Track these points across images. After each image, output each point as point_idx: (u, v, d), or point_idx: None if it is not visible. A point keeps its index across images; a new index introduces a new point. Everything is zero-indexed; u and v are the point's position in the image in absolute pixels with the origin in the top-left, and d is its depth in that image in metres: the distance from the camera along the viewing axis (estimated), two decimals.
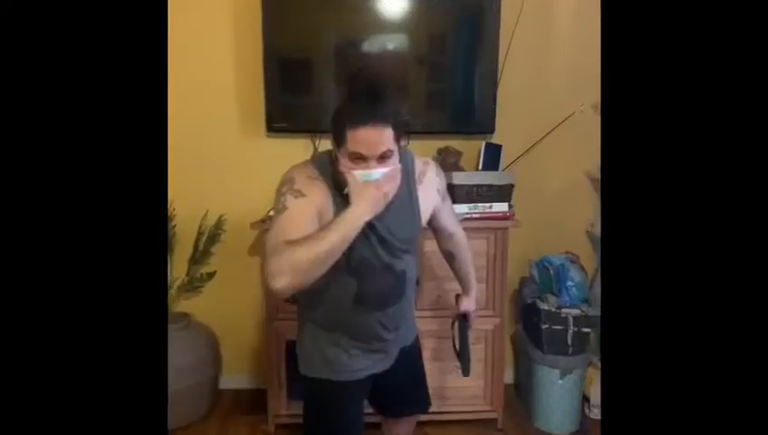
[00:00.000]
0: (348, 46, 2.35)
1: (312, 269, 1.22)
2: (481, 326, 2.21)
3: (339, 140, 1.29)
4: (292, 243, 1.21)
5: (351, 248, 1.29)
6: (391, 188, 1.29)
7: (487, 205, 2.22)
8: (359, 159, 1.26)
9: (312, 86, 2.38)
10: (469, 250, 1.66)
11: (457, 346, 1.72)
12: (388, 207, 1.31)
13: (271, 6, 2.29)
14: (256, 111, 2.41)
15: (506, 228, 2.22)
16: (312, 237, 1.22)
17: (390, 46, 2.35)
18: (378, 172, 1.27)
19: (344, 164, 1.28)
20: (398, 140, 1.30)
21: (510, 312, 2.58)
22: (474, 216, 2.21)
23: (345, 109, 1.31)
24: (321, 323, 1.47)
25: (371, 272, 1.39)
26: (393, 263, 1.41)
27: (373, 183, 1.26)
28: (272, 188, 1.38)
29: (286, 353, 2.25)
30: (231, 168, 2.50)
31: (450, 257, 1.66)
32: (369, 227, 1.31)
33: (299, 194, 1.30)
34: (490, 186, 2.22)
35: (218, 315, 2.61)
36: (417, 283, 1.75)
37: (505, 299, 2.28)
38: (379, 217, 1.31)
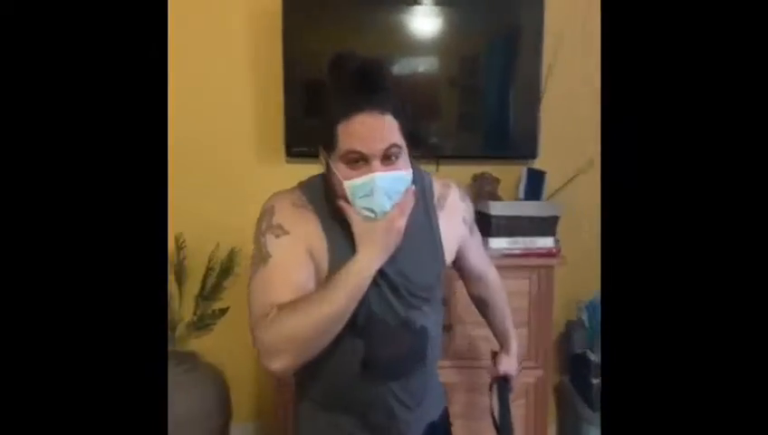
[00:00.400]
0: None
1: (316, 341, 0.98)
2: (521, 379, 1.93)
3: (329, 144, 1.01)
4: (286, 308, 0.97)
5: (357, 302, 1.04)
6: (404, 221, 1.02)
7: (529, 239, 1.99)
8: (357, 161, 0.99)
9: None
10: (505, 295, 1.37)
11: (496, 415, 1.40)
12: (406, 241, 1.05)
13: (292, 26, 2.16)
14: (275, 135, 2.26)
15: (551, 266, 1.99)
16: (312, 300, 0.98)
17: (421, 68, 2.18)
18: (379, 179, 0.99)
19: (340, 173, 1.00)
20: (404, 138, 1.02)
21: (555, 361, 2.30)
22: (514, 252, 1.98)
23: (331, 100, 1.03)
24: (318, 400, 1.16)
25: (383, 331, 1.09)
26: (411, 317, 1.11)
27: (380, 221, 0.99)
28: None
29: None
30: (247, 195, 2.32)
31: (482, 305, 1.37)
32: (379, 272, 1.04)
33: (280, 231, 1.05)
34: (532, 218, 1.99)
35: (230, 356, 2.41)
36: (448, 329, 1.46)
37: (550, 347, 2.02)
38: (390, 258, 1.04)
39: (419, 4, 2.15)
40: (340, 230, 1.06)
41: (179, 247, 2.27)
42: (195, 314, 2.30)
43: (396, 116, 1.01)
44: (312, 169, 2.22)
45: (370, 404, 1.12)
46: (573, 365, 2.16)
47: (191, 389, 2.14)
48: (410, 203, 1.04)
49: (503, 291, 1.37)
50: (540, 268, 1.97)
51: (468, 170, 2.23)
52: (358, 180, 0.99)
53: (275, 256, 1.03)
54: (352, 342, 1.08)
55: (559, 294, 2.03)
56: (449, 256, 1.19)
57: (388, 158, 1.00)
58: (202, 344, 2.38)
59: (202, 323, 2.33)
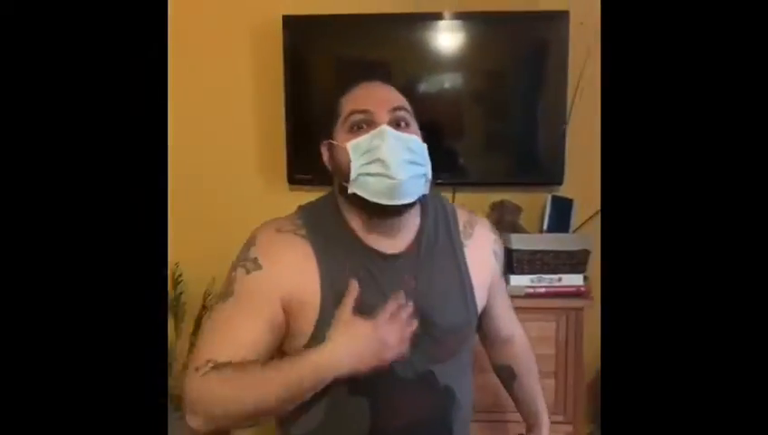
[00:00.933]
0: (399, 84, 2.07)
1: (235, 420, 0.84)
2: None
3: (331, 121, 0.93)
4: (222, 370, 0.83)
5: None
6: (393, 335, 0.82)
7: (555, 277, 1.81)
8: (361, 126, 0.89)
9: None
10: (535, 365, 1.15)
11: None
12: (426, 275, 0.92)
13: (294, 42, 2.06)
14: (277, 161, 2.14)
15: (581, 308, 1.79)
16: (249, 374, 0.82)
17: (443, 84, 2.05)
18: (389, 131, 0.87)
19: (343, 140, 0.90)
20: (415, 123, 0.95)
21: (586, 411, 2.08)
22: (538, 291, 1.80)
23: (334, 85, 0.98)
24: None
25: (395, 388, 0.89)
26: (432, 372, 0.91)
27: (367, 322, 0.81)
28: None
29: None
30: (248, 224, 2.18)
31: (508, 377, 1.14)
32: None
33: (253, 266, 0.91)
34: (559, 252, 1.81)
35: None
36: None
37: (580, 399, 1.82)
38: (397, 289, 0.89)
39: (441, 18, 2.03)
40: (339, 256, 0.90)
41: (176, 281, 2.14)
42: (189, 353, 2.16)
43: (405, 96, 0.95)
44: (315, 197, 2.15)
45: None
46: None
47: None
48: (406, 310, 0.85)
49: (533, 360, 1.16)
50: (568, 310, 1.79)
51: (486, 198, 2.06)
52: (362, 137, 0.88)
53: (236, 298, 0.90)
54: (355, 402, 0.89)
55: (590, 338, 1.82)
56: (481, 297, 1.00)
57: (396, 122, 0.89)
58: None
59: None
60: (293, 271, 0.90)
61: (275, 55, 2.07)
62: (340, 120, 0.92)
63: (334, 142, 0.92)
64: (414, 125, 0.93)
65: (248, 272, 0.91)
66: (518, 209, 1.99)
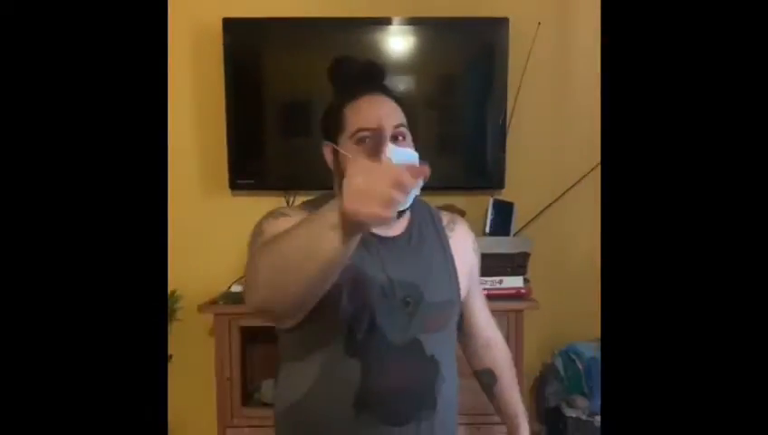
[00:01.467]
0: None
1: (276, 278, 0.80)
2: None
3: (336, 130, 1.01)
4: (265, 244, 0.85)
5: (358, 310, 0.95)
6: (411, 182, 0.73)
7: (497, 279, 1.82)
8: (366, 140, 0.97)
9: (293, 134, 2.07)
10: (512, 365, 1.20)
11: None
12: (417, 255, 1.02)
13: (235, 45, 2.01)
14: (218, 166, 2.08)
15: (521, 310, 1.82)
16: (282, 233, 0.82)
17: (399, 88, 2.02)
18: (397, 149, 0.95)
19: (350, 153, 0.98)
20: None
21: (530, 411, 2.10)
22: None
23: (337, 94, 1.04)
24: None
25: (385, 351, 0.95)
26: (420, 341, 0.98)
27: (386, 167, 0.73)
28: (236, 255, 1.15)
29: None
30: (189, 231, 2.14)
31: (489, 380, 1.16)
32: (389, 281, 0.97)
33: (260, 235, 0.97)
34: (500, 255, 1.82)
35: (173, 409, 2.17)
36: None
37: (523, 398, 1.82)
38: (401, 266, 0.99)
39: (390, 23, 2.04)
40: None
41: None
42: None
43: (401, 105, 1.03)
44: (259, 202, 2.12)
45: None
46: (548, 419, 1.98)
47: None
48: (424, 171, 0.79)
49: (511, 363, 1.19)
50: (508, 312, 1.80)
51: (431, 201, 2.04)
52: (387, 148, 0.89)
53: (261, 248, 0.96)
54: (347, 363, 0.95)
55: (530, 340, 1.86)
56: (463, 284, 1.09)
57: (395, 137, 0.99)
58: None
59: None
60: None
61: (216, 59, 2.02)
62: (347, 133, 0.99)
63: (340, 150, 1.00)
64: (409, 137, 1.02)
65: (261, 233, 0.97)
66: (462, 213, 1.99)
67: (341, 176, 0.95)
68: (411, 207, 1.05)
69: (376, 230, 1.00)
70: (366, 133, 0.97)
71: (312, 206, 1.04)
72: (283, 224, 0.92)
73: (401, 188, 0.73)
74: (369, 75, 1.05)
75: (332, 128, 1.02)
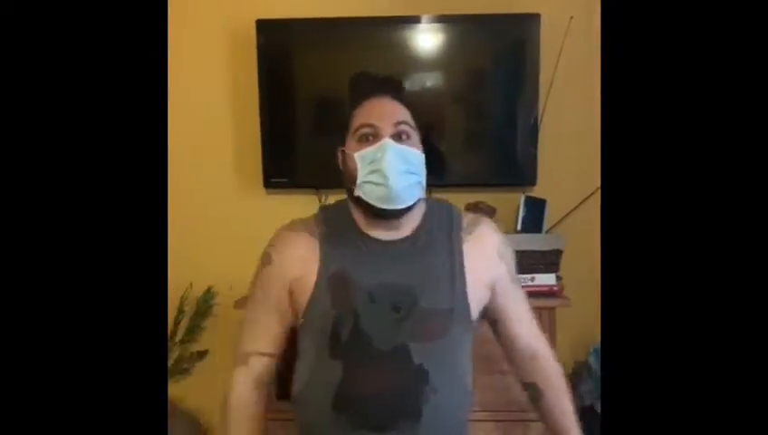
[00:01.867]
0: None
1: None
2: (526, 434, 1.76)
3: (345, 132, 1.05)
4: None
5: (343, 314, 0.98)
6: None
7: (528, 277, 1.80)
8: (368, 138, 1.00)
9: (326, 133, 2.05)
10: (564, 381, 1.12)
11: None
12: (419, 259, 1.01)
13: (269, 46, 2.05)
14: (253, 165, 2.12)
15: (554, 308, 1.80)
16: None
17: (421, 85, 2.06)
18: (390, 145, 0.98)
19: (351, 150, 1.02)
20: (417, 133, 1.05)
21: None
22: None
23: (351, 102, 1.08)
24: None
25: (368, 356, 0.96)
26: (408, 347, 0.96)
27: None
28: None
29: None
30: (224, 229, 2.20)
31: (534, 394, 1.11)
32: (380, 285, 0.98)
33: (267, 261, 1.08)
34: (532, 252, 1.81)
35: (208, 403, 2.24)
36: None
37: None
38: (397, 270, 1.00)
39: (419, 21, 2.04)
40: (340, 244, 1.03)
41: None
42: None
43: (410, 109, 1.04)
44: (292, 200, 2.16)
45: None
46: (583, 418, 1.95)
47: None
48: None
49: (560, 376, 1.11)
50: (541, 310, 1.76)
51: (461, 199, 2.04)
52: (367, 149, 0.99)
53: (255, 292, 1.11)
54: (330, 365, 0.97)
55: (562, 338, 1.84)
56: (478, 293, 1.03)
57: (399, 135, 1.00)
58: (178, 390, 2.22)
59: (178, 368, 2.17)
60: (298, 260, 1.03)
61: (250, 59, 2.06)
62: (351, 131, 1.03)
63: (346, 151, 1.04)
64: (415, 136, 1.03)
65: (263, 266, 1.08)
66: (492, 210, 1.99)
67: (348, 176, 1.03)
68: (428, 208, 1.07)
69: (380, 234, 1.03)
70: (366, 129, 1.00)
71: (325, 215, 1.09)
72: (265, 281, 1.07)
73: None
74: (384, 86, 1.07)
75: (344, 131, 1.06)
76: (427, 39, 2.05)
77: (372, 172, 0.98)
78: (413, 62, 2.05)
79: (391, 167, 0.97)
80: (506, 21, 2.04)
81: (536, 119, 2.02)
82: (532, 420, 1.76)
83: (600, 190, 2.04)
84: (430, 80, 2.06)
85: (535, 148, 2.03)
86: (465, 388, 1.03)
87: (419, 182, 1.02)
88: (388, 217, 1.01)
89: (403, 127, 1.01)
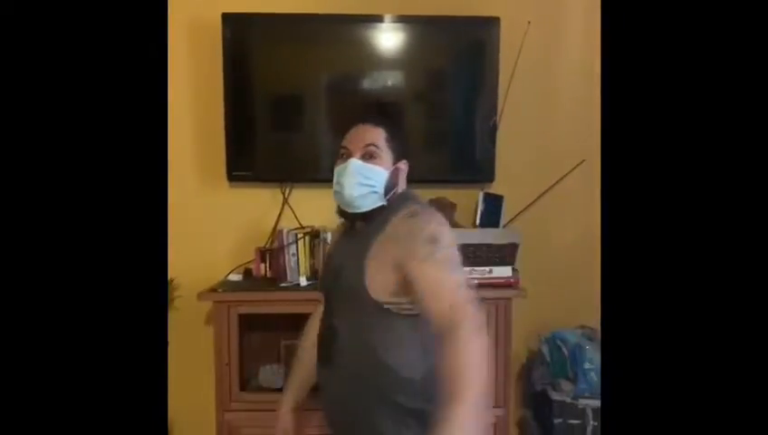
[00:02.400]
0: (339, 84, 2.12)
1: None
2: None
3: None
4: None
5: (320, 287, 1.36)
6: None
7: (486, 269, 1.88)
8: (344, 156, 1.25)
9: (289, 127, 2.11)
10: (468, 357, 1.07)
11: None
12: (352, 244, 1.24)
13: (234, 40, 2.05)
14: (216, 159, 2.11)
15: (509, 298, 1.87)
16: None
17: (384, 84, 2.10)
18: (352, 162, 1.22)
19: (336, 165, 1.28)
20: (393, 153, 1.26)
21: (517, 396, 2.18)
22: (471, 282, 1.81)
23: None
24: None
25: (324, 315, 1.29)
26: (333, 311, 1.26)
27: None
28: (233, 244, 1.23)
29: None
30: (187, 222, 2.17)
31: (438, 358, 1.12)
32: (329, 255, 1.34)
33: None
34: (489, 245, 1.88)
35: (171, 395, 2.19)
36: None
37: (510, 384, 1.90)
38: (336, 248, 1.33)
39: (382, 21, 2.08)
40: (337, 236, 1.40)
41: None
42: None
43: (387, 132, 1.26)
44: (255, 193, 2.17)
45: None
46: (535, 402, 2.05)
47: None
48: None
49: (463, 352, 1.06)
50: (498, 300, 1.86)
51: (422, 195, 2.09)
52: (339, 166, 1.25)
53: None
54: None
55: (517, 327, 1.92)
56: (378, 274, 1.17)
57: (366, 155, 1.23)
58: None
59: None
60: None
61: (215, 53, 2.05)
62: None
63: None
64: (383, 156, 1.25)
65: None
66: (453, 206, 2.05)
67: None
68: (390, 200, 1.25)
69: (356, 225, 1.28)
70: (342, 150, 1.26)
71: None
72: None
73: None
74: (370, 115, 1.30)
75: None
76: (389, 38, 2.09)
77: (337, 183, 1.24)
78: (375, 61, 2.09)
79: (348, 179, 1.22)
80: (467, 23, 2.10)
81: (495, 118, 2.09)
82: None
83: (551, 188, 2.14)
84: (391, 78, 2.10)
85: (494, 146, 2.09)
86: (368, 353, 1.19)
87: (375, 192, 1.23)
88: (352, 216, 1.26)
89: (370, 148, 1.23)
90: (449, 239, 1.19)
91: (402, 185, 1.29)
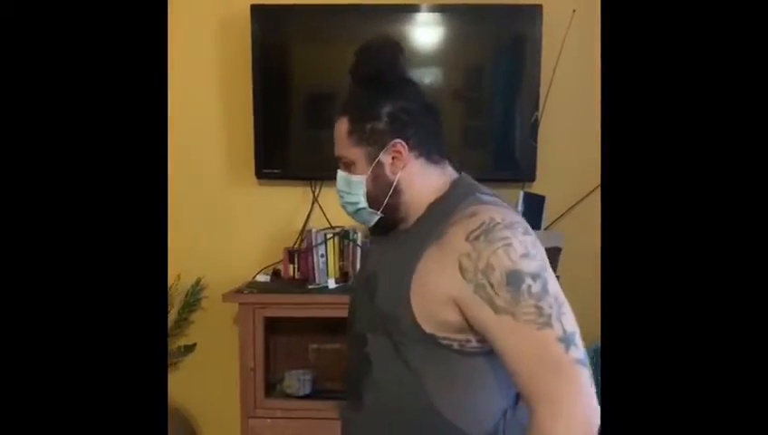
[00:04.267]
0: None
1: None
2: None
3: None
4: None
5: (350, 299, 1.08)
6: None
7: None
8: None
9: (320, 124, 2.02)
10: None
11: None
12: (392, 253, 0.97)
13: (263, 33, 1.98)
14: (245, 156, 2.06)
15: None
16: None
17: (425, 80, 2.00)
18: (338, 177, 1.01)
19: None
20: (364, 146, 0.96)
21: None
22: None
23: None
24: None
25: (350, 335, 1.03)
26: (366, 339, 0.96)
27: None
28: (262, 244, 1.22)
29: None
30: (215, 220, 2.14)
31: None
32: (369, 275, 0.98)
33: None
34: None
35: (196, 397, 2.19)
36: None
37: None
38: (381, 260, 0.99)
39: (418, 11, 1.98)
40: (371, 239, 1.14)
41: None
42: None
43: (351, 120, 0.97)
44: (284, 191, 2.11)
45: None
46: None
47: None
48: None
49: None
50: None
51: None
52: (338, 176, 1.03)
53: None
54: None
55: None
56: (426, 304, 0.89)
57: (343, 165, 1.00)
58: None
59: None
60: None
61: (244, 47, 2.00)
62: None
63: None
64: (355, 160, 0.98)
65: None
66: None
67: None
68: (444, 197, 0.96)
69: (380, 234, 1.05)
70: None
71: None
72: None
73: None
74: (342, 105, 1.01)
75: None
76: (425, 31, 1.99)
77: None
78: (411, 55, 2.00)
79: (340, 197, 1.02)
80: (507, 13, 1.99)
81: (537, 114, 1.97)
82: None
83: (597, 188, 2.01)
84: (427, 74, 2.01)
85: (535, 143, 1.98)
86: (414, 396, 0.93)
87: (361, 207, 0.99)
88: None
89: (343, 160, 0.99)
90: (537, 267, 0.87)
91: (412, 173, 0.97)
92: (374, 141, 0.96)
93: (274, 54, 2.02)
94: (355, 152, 0.97)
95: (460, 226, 0.89)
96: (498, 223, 0.88)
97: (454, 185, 0.98)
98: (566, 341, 0.84)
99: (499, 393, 0.93)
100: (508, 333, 0.85)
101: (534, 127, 1.97)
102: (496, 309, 0.85)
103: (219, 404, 2.15)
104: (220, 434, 2.19)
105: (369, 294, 0.96)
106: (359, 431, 1.00)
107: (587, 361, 0.85)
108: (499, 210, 0.90)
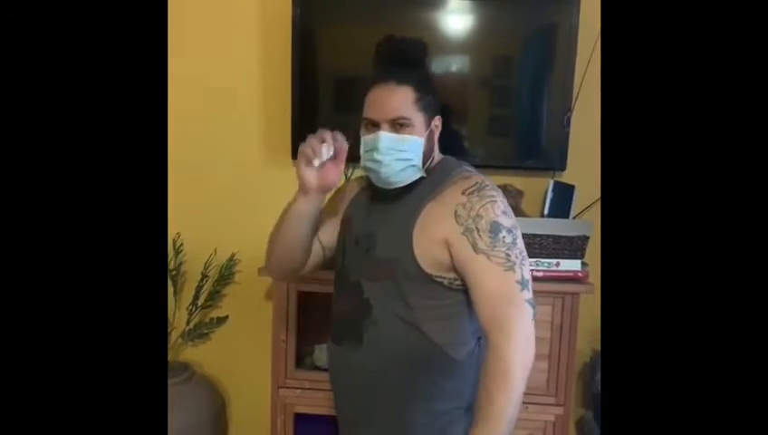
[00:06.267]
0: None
1: (270, 253, 1.32)
2: (538, 416, 1.77)
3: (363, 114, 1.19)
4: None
5: (338, 253, 1.25)
6: (333, 178, 1.18)
7: (553, 261, 1.79)
8: (369, 127, 1.15)
9: (353, 108, 2.06)
10: (504, 376, 1.06)
11: None
12: (394, 211, 1.16)
13: (303, 17, 2.02)
14: (282, 135, 2.11)
15: (577, 293, 1.78)
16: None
17: (451, 67, 2.03)
18: (383, 136, 1.12)
19: (361, 133, 1.18)
20: (425, 113, 1.15)
21: (578, 395, 2.09)
22: (536, 275, 1.73)
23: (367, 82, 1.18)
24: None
25: (344, 285, 1.21)
26: (362, 284, 1.16)
27: (311, 170, 1.17)
28: None
29: (294, 429, 1.86)
30: (251, 197, 2.20)
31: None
32: (363, 232, 1.19)
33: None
34: (558, 237, 1.79)
35: (227, 368, 2.28)
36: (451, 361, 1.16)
37: (572, 382, 1.81)
38: (377, 220, 1.18)
39: None
40: (357, 199, 1.28)
41: (177, 251, 2.14)
42: (188, 322, 2.17)
43: (416, 90, 1.13)
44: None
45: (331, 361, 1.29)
46: (596, 403, 1.96)
47: (184, 402, 2.03)
48: (340, 164, 1.18)
49: (502, 372, 1.05)
50: (564, 295, 1.77)
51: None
52: (366, 137, 1.15)
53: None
54: (335, 290, 1.27)
55: (583, 325, 1.82)
56: (425, 247, 1.11)
57: (395, 126, 1.12)
58: (198, 355, 2.26)
59: (198, 333, 2.20)
60: (346, 201, 1.33)
61: (283, 30, 2.03)
62: (362, 120, 1.17)
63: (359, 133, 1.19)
64: (415, 122, 1.13)
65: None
66: (520, 193, 1.97)
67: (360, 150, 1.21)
68: (433, 169, 1.18)
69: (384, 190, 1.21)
70: (367, 122, 1.15)
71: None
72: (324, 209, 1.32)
73: (313, 149, 1.15)
74: (391, 57, 1.20)
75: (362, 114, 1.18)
76: (455, 19, 2.00)
77: (369, 159, 1.14)
78: (441, 43, 2.01)
79: (383, 155, 1.11)
80: (543, 1, 1.99)
81: (570, 104, 1.98)
82: (548, 404, 1.78)
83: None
84: (455, 63, 2.03)
85: (567, 133, 1.99)
86: (409, 328, 1.13)
87: (413, 165, 1.14)
88: (386, 193, 1.18)
89: (400, 121, 1.12)
90: (511, 224, 1.13)
91: (435, 143, 1.21)
92: (432, 110, 1.17)
93: (312, 38, 2.05)
94: (419, 117, 1.14)
95: (458, 184, 1.13)
96: (488, 184, 1.15)
97: (443, 159, 1.22)
98: (523, 284, 1.09)
99: (476, 324, 1.15)
100: (481, 270, 1.08)
101: (567, 116, 1.98)
102: (476, 249, 1.09)
103: (250, 375, 2.24)
104: (251, 403, 2.27)
105: (366, 248, 1.17)
106: (358, 365, 1.17)
107: (535, 302, 1.11)
108: (485, 177, 1.17)
